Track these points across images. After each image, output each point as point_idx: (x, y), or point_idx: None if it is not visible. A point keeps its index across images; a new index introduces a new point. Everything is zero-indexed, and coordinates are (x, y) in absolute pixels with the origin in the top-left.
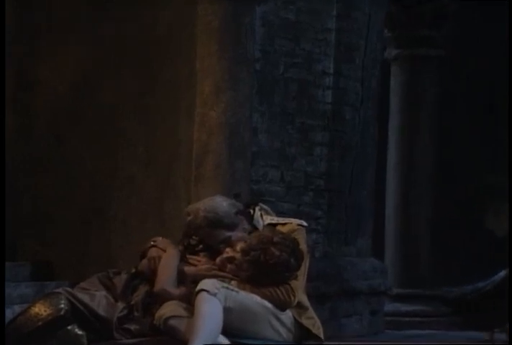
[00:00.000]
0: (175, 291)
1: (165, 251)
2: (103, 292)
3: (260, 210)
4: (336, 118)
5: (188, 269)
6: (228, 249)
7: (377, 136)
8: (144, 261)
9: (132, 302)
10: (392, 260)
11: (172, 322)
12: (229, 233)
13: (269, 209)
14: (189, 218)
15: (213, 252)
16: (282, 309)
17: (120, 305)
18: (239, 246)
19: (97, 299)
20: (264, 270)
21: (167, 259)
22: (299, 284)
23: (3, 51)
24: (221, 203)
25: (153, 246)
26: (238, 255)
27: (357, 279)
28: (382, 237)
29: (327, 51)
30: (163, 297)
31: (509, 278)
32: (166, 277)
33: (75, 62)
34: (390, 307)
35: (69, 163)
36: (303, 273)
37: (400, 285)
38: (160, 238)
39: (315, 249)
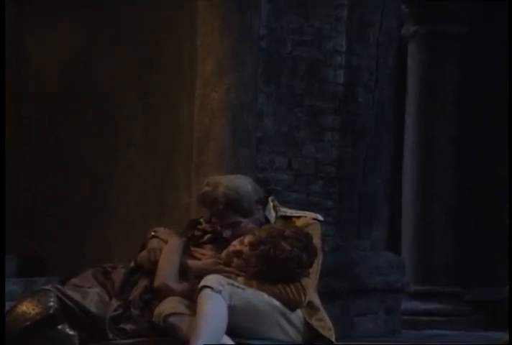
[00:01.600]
0: (177, 286)
1: (166, 242)
2: (97, 289)
3: (273, 201)
4: (349, 100)
5: (191, 262)
6: (235, 242)
7: (392, 119)
8: (144, 253)
9: (130, 298)
10: (410, 254)
11: (172, 319)
12: (240, 219)
13: (277, 202)
14: (207, 188)
15: (219, 245)
16: (292, 308)
17: (114, 303)
18: (247, 240)
19: (89, 296)
20: (274, 266)
21: (168, 251)
22: (311, 283)
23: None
24: (246, 185)
25: (154, 236)
26: (246, 249)
27: (370, 274)
28: (399, 229)
29: (338, 27)
30: (164, 293)
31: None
32: (167, 271)
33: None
34: (407, 305)
35: (66, 150)
36: (315, 271)
37: (418, 281)
38: (162, 228)
39: (325, 242)
